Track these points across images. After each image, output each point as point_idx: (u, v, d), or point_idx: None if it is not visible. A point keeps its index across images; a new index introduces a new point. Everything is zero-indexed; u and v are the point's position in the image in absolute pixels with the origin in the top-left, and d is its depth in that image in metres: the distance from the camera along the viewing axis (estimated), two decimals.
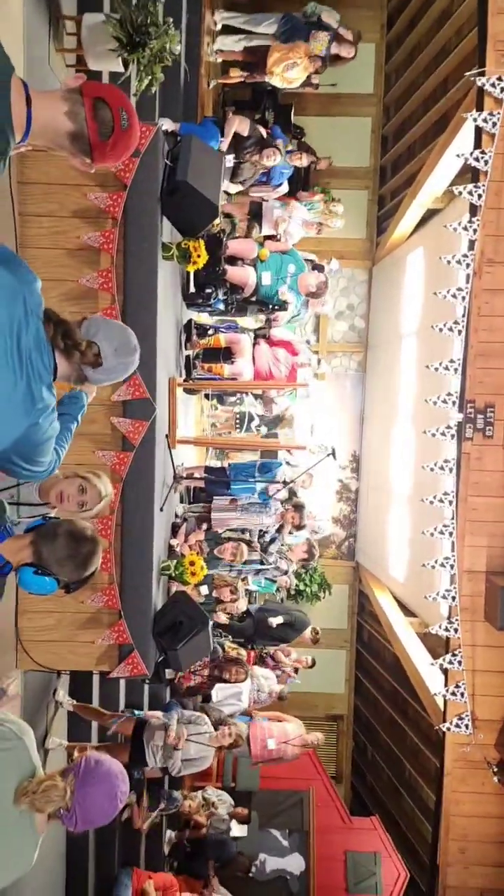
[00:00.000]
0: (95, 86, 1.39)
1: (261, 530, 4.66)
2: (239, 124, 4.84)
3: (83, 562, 1.61)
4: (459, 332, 4.53)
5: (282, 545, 4.90)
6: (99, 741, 4.25)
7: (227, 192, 4.94)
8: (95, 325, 1.53)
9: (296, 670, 5.70)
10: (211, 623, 3.75)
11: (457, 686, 4.75)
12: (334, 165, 7.12)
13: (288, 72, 5.21)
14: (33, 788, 1.54)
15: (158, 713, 4.14)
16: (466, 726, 4.76)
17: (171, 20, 3.71)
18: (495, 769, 4.78)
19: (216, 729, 3.95)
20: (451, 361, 4.60)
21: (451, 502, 4.61)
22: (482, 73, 4.50)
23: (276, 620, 4.96)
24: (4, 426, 1.46)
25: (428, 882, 5.46)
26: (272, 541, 4.72)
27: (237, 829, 5.54)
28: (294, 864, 6.08)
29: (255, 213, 5.34)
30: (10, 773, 1.57)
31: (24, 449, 1.54)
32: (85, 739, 4.18)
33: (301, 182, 6.19)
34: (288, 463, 5.00)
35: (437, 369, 4.65)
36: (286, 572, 5.03)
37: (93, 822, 1.63)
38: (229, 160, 4.71)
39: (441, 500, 4.64)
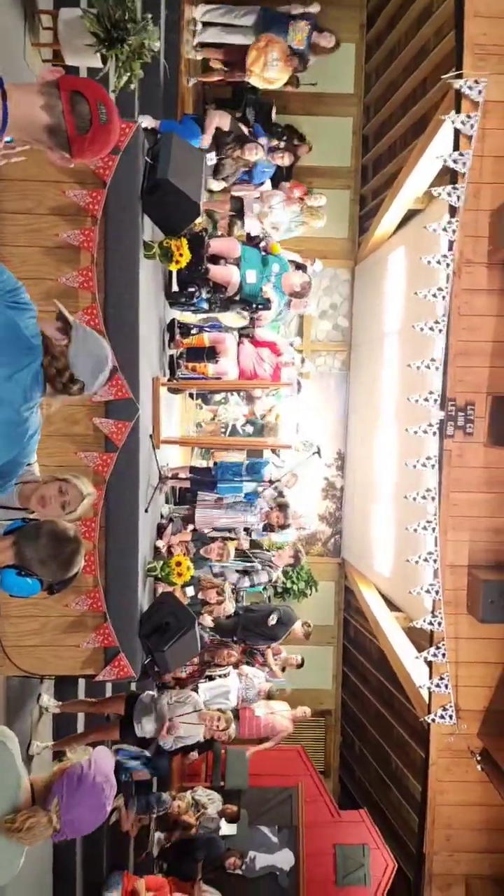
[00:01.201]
0: (72, 79, 1.37)
1: (246, 528, 4.66)
2: (219, 119, 4.81)
3: (66, 562, 1.61)
4: (440, 331, 4.59)
5: (266, 550, 4.92)
6: (85, 727, 4.22)
7: (209, 190, 4.91)
8: (84, 360, 1.58)
9: (283, 669, 5.72)
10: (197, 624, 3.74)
11: (441, 678, 4.83)
12: (316, 165, 7.13)
13: (267, 71, 5.19)
14: (18, 826, 1.53)
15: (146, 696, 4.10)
16: (451, 717, 4.85)
17: (150, 16, 3.67)
18: (478, 758, 4.88)
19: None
20: (433, 360, 4.66)
21: (433, 498, 4.68)
22: (460, 76, 4.56)
23: (273, 619, 4.96)
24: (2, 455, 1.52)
25: (415, 871, 5.55)
26: (255, 552, 4.72)
27: (227, 828, 5.55)
28: (283, 859, 6.12)
29: (237, 210, 5.32)
30: None
31: (7, 469, 1.59)
32: (71, 733, 4.15)
33: (283, 179, 6.19)
34: (274, 463, 5.01)
35: (418, 368, 4.71)
36: (271, 580, 5.05)
37: (81, 832, 1.64)
38: (211, 157, 4.68)
39: (424, 497, 4.71)
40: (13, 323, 1.46)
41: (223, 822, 5.40)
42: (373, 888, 5.99)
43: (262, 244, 4.91)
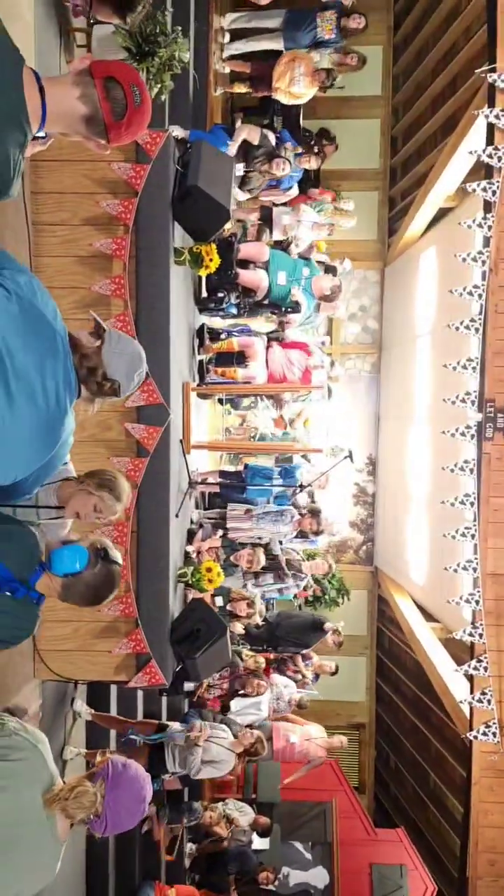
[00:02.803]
0: (104, 64, 1.37)
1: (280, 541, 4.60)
2: (248, 133, 4.85)
3: (102, 599, 1.66)
4: (476, 330, 4.45)
5: (297, 555, 4.83)
6: (117, 747, 4.21)
7: (236, 200, 4.94)
8: (118, 360, 1.56)
9: (317, 676, 5.59)
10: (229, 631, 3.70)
11: (483, 693, 4.62)
12: (344, 168, 7.09)
13: (293, 87, 5.21)
14: (65, 795, 1.54)
15: (177, 724, 4.10)
16: (494, 734, 4.62)
17: (180, 28, 3.73)
18: None
19: (236, 738, 3.90)
20: (469, 360, 4.52)
21: (472, 504, 4.51)
22: (493, 70, 4.45)
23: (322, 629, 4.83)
24: (30, 458, 1.50)
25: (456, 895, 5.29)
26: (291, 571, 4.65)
27: (259, 842, 5.43)
28: (318, 877, 5.94)
29: (265, 218, 5.33)
30: (28, 783, 1.55)
31: (41, 474, 1.59)
32: (103, 746, 4.15)
33: (311, 184, 6.17)
34: (304, 467, 4.94)
35: (454, 368, 4.57)
36: (300, 588, 4.96)
37: (121, 826, 1.62)
38: (239, 169, 4.71)
39: (462, 502, 4.54)
40: (30, 303, 1.42)
41: (255, 836, 5.29)
42: None
43: (294, 249, 4.88)
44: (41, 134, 1.39)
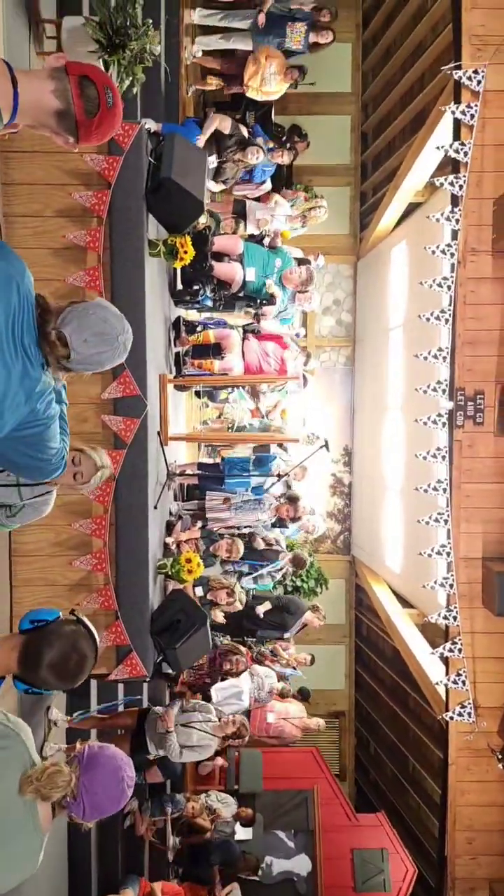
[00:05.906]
0: (79, 65, 1.40)
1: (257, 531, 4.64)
2: (220, 122, 4.86)
3: (73, 678, 1.55)
4: (446, 321, 4.58)
5: (276, 545, 4.89)
6: (98, 737, 4.20)
7: (210, 191, 4.95)
8: (71, 315, 1.48)
9: (294, 668, 5.66)
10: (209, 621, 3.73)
11: (458, 674, 4.76)
12: (316, 163, 7.17)
13: (265, 86, 5.25)
14: (37, 776, 1.53)
15: (159, 708, 4.09)
16: (469, 714, 4.77)
17: (151, 21, 3.72)
18: (500, 756, 4.79)
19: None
20: (440, 350, 4.64)
21: (444, 490, 4.64)
22: (458, 67, 4.57)
23: (262, 608, 4.91)
24: (4, 412, 1.43)
25: (437, 875, 5.44)
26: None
27: (242, 833, 5.47)
28: (301, 865, 6.02)
29: (240, 212, 5.35)
30: (9, 772, 1.54)
31: (28, 436, 1.51)
32: (83, 739, 4.12)
33: (284, 179, 6.23)
34: (281, 458, 5.00)
35: (425, 358, 4.69)
36: (275, 581, 5.03)
37: (101, 808, 1.60)
38: (212, 161, 4.72)
39: (435, 489, 4.67)
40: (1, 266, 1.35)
41: (238, 827, 5.34)
42: (393, 894, 5.87)
43: (267, 240, 4.93)
44: (13, 125, 1.39)
